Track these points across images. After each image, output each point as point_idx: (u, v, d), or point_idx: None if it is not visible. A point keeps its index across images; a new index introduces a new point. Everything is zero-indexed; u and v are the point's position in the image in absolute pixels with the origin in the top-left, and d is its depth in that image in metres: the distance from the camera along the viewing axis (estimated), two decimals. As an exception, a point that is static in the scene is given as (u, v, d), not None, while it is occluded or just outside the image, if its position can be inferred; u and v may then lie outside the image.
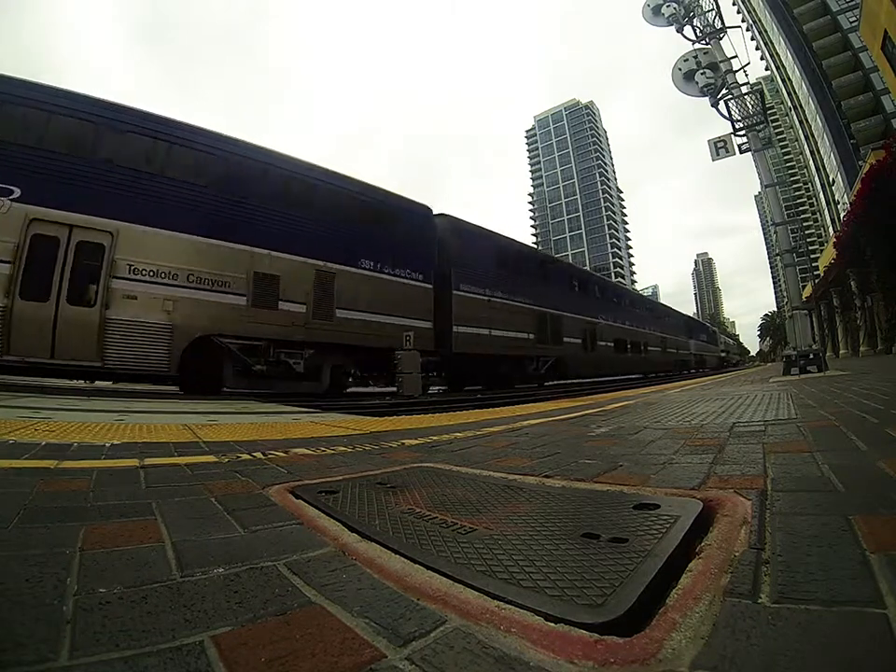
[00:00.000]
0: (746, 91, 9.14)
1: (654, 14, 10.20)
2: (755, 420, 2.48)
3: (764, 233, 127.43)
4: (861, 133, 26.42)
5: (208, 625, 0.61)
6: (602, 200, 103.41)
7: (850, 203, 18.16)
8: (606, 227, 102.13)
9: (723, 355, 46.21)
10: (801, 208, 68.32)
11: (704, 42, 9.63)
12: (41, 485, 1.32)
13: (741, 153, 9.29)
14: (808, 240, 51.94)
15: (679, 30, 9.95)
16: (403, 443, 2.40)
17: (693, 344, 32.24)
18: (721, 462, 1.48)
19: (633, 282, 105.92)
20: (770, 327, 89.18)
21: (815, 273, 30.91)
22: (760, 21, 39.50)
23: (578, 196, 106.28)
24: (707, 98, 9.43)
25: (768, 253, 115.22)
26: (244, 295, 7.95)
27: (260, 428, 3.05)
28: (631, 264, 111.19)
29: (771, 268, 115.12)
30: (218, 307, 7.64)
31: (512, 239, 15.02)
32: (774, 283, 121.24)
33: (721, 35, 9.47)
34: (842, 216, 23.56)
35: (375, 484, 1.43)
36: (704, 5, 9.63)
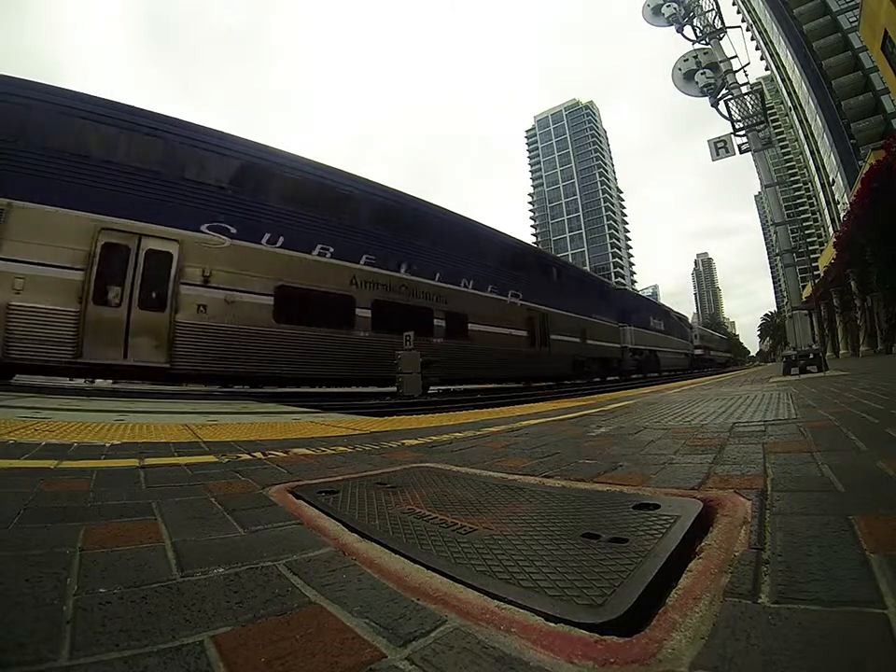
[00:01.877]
0: (746, 91, 9.14)
1: (654, 14, 10.21)
2: (755, 420, 2.47)
3: (764, 233, 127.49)
4: (861, 133, 26.43)
5: (208, 625, 0.61)
6: (602, 200, 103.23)
7: (850, 203, 18.15)
8: (606, 227, 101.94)
9: (699, 352, 35.40)
10: (801, 208, 68.34)
11: (704, 42, 9.63)
12: (41, 485, 1.31)
13: (741, 153, 9.29)
14: (808, 240, 51.93)
15: (679, 30, 9.96)
16: (403, 443, 2.40)
17: (632, 334, 21.75)
18: (721, 462, 1.48)
19: (633, 282, 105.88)
20: (770, 327, 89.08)
21: (815, 273, 30.79)
22: (760, 20, 39.51)
23: (578, 196, 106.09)
24: (707, 98, 9.44)
25: (768, 253, 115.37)
26: None
27: (260, 428, 3.05)
28: (631, 264, 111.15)
29: (771, 268, 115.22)
30: None
31: None
32: (774, 283, 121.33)
33: (721, 35, 9.48)
34: (842, 216, 23.55)
35: (375, 485, 1.43)
36: (704, 5, 9.64)
